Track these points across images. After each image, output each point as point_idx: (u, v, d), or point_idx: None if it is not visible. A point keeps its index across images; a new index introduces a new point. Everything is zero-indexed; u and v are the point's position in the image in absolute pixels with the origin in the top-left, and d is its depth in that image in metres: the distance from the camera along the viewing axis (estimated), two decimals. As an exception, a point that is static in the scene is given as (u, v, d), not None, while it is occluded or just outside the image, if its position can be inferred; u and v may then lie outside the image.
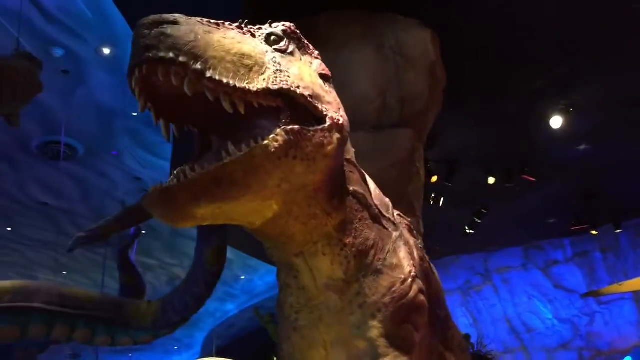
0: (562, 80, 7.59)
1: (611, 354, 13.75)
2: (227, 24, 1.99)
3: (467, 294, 15.50)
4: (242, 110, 1.84)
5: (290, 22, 2.29)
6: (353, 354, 2.33)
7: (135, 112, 9.42)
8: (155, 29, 1.74)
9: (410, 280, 2.47)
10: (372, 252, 2.40)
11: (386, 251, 2.48)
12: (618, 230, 12.53)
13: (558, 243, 14.35)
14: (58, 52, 8.12)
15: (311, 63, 2.30)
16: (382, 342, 2.26)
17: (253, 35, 2.09)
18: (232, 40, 1.89)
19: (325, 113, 2.13)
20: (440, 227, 11.30)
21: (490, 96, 7.93)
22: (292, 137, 1.95)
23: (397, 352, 2.27)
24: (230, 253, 10.33)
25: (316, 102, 2.12)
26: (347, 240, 2.31)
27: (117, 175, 11.16)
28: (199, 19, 1.88)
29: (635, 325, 13.61)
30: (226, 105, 1.81)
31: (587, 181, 10.76)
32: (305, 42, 2.34)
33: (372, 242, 2.41)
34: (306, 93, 2.08)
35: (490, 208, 11.06)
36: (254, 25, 2.18)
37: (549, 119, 8.27)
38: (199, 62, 1.74)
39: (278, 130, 1.92)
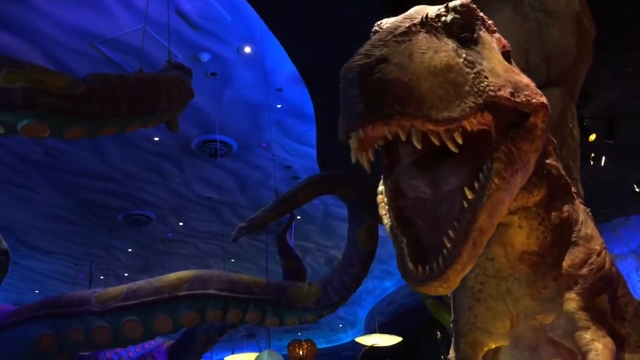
0: None
1: None
2: (408, 23, 1.66)
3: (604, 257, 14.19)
4: (454, 149, 1.62)
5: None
6: (541, 327, 2.29)
7: (279, 104, 9.85)
8: (369, 77, 1.48)
9: (604, 251, 2.41)
10: (567, 225, 2.33)
11: (580, 222, 2.40)
12: None
13: None
14: (205, 57, 8.70)
15: (493, 43, 1.99)
16: (582, 315, 2.18)
17: (434, 28, 1.74)
18: (430, 53, 1.62)
19: (527, 103, 1.91)
20: (605, 188, 10.50)
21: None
22: (511, 158, 1.79)
23: (596, 324, 2.18)
24: (383, 231, 10.44)
25: (517, 96, 1.89)
26: (545, 214, 2.23)
27: (269, 166, 11.73)
28: (388, 33, 1.61)
29: None
30: (442, 142, 1.59)
31: None
32: (481, 14, 2.00)
33: (566, 214, 2.33)
34: (507, 92, 1.84)
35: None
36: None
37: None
38: (423, 108, 1.51)
39: (500, 157, 1.75)
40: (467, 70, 1.70)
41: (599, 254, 2.35)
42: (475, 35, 1.86)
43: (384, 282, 19.48)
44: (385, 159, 1.89)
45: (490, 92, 1.73)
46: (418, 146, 1.56)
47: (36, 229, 14.22)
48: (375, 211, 6.77)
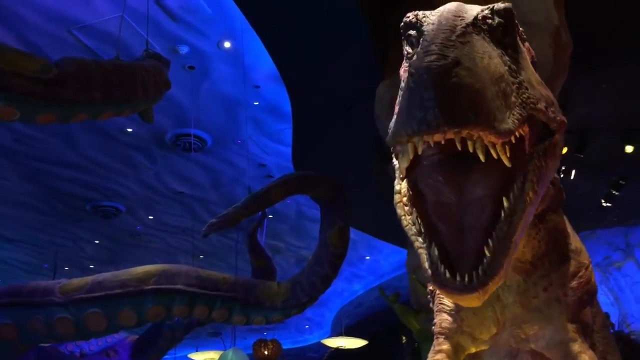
0: None
1: None
2: (462, 23, 1.57)
3: (607, 271, 14.53)
4: (508, 163, 1.57)
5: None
6: (525, 337, 2.30)
7: (256, 102, 9.79)
8: (447, 81, 1.41)
9: (590, 265, 2.44)
10: (560, 237, 2.34)
11: (570, 235, 2.43)
12: None
13: None
14: (183, 49, 8.60)
15: (525, 52, 1.91)
16: (570, 327, 2.20)
17: (482, 31, 1.65)
18: (487, 59, 1.55)
19: (555, 119, 1.88)
20: (573, 201, 10.65)
21: (625, 57, 7.32)
22: (541, 172, 1.77)
23: (582, 336, 2.22)
24: (354, 234, 10.49)
25: (551, 111, 1.85)
26: (541, 225, 2.24)
27: (243, 163, 11.66)
28: (450, 32, 1.51)
29: None
30: (482, 154, 1.53)
31: None
32: (516, 21, 1.89)
33: (560, 226, 2.35)
34: (543, 105, 1.81)
35: (628, 179, 10.26)
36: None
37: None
38: (490, 118, 1.46)
39: (533, 170, 1.73)
40: (512, 79, 1.66)
41: (586, 268, 2.38)
42: (515, 42, 1.80)
43: (352, 284, 19.52)
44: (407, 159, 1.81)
45: (531, 104, 1.71)
46: (482, 159, 1.52)
47: (0, 216, 13.90)
48: (347, 213, 6.80)
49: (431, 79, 1.41)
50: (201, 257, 16.40)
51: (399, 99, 1.70)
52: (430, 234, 1.69)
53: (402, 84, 1.72)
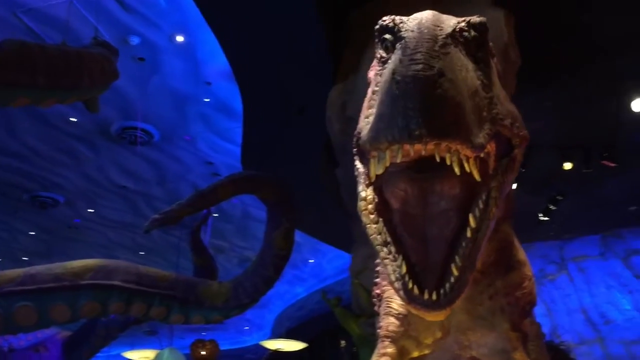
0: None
1: (696, 349, 13.02)
2: (442, 33, 1.57)
3: (541, 283, 15.02)
4: (478, 177, 1.62)
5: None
6: (467, 343, 2.32)
7: (207, 98, 9.65)
8: (432, 91, 1.41)
9: (533, 277, 2.50)
10: (508, 247, 2.39)
11: (516, 247, 2.48)
12: None
13: (639, 232, 13.65)
14: (134, 40, 8.40)
15: (494, 67, 1.91)
16: (513, 336, 2.25)
17: (459, 43, 1.65)
18: (464, 71, 1.57)
19: (518, 134, 1.90)
20: (514, 214, 10.98)
21: (568, 77, 7.59)
22: (502, 187, 1.80)
23: (521, 345, 2.28)
24: (299, 237, 10.47)
25: (515, 126, 1.87)
26: (493, 235, 2.21)
27: (190, 160, 11.49)
28: (432, 42, 1.52)
29: None
30: (457, 169, 1.56)
31: (673, 167, 10.15)
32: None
33: (509, 237, 2.40)
34: (509, 122, 1.83)
35: (566, 194, 10.64)
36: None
37: (631, 101, 7.84)
38: (468, 132, 1.49)
39: (496, 186, 1.75)
40: (484, 94, 1.68)
41: (530, 280, 2.45)
42: (487, 57, 1.81)
43: (295, 287, 19.50)
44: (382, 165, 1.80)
45: (499, 120, 1.73)
46: (457, 172, 1.54)
47: None
48: (294, 215, 6.77)
49: (417, 89, 1.41)
50: (141, 253, 16.09)
51: (371, 103, 1.70)
52: (397, 245, 1.69)
53: (375, 87, 1.71)
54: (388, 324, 2.41)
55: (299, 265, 17.39)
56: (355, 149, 1.93)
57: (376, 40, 1.81)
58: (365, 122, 1.69)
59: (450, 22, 1.67)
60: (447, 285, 1.58)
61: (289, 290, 19.53)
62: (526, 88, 6.84)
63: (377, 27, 1.78)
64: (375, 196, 1.78)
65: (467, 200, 1.75)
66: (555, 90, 7.90)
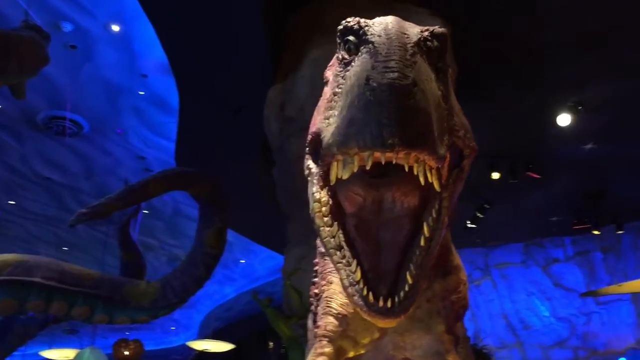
0: (573, 77, 7.51)
1: (606, 354, 13.73)
2: (410, 42, 1.58)
3: (467, 288, 15.47)
4: (438, 187, 1.66)
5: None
6: (402, 344, 2.34)
7: (142, 91, 9.39)
8: (405, 101, 1.43)
9: (467, 282, 2.54)
10: (445, 252, 2.41)
11: (453, 252, 2.51)
12: (620, 232, 12.49)
13: (559, 241, 14.30)
14: (67, 27, 8.06)
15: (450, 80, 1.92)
16: (447, 338, 2.29)
17: (423, 52, 1.65)
18: (429, 82, 1.59)
19: (469, 146, 1.91)
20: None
21: (500, 91, 7.86)
22: (453, 197, 1.81)
23: (454, 348, 2.32)
24: (231, 236, 10.35)
25: (467, 138, 1.89)
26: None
27: (121, 154, 11.16)
28: (404, 50, 1.52)
29: (632, 326, 13.58)
30: (423, 179, 1.60)
31: (592, 181, 10.69)
32: None
33: (446, 242, 2.42)
34: (463, 133, 1.84)
35: (493, 203, 11.01)
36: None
37: (557, 116, 8.20)
38: (435, 143, 1.51)
39: (447, 196, 1.76)
40: (444, 105, 1.70)
41: (465, 284, 2.50)
42: (446, 68, 1.82)
43: (224, 287, 19.28)
44: (326, 168, 1.77)
45: (455, 131, 1.76)
46: (422, 182, 1.56)
47: None
48: (226, 214, 6.66)
49: (393, 97, 1.42)
50: (65, 248, 15.53)
51: (332, 104, 1.68)
52: (351, 250, 1.69)
53: (337, 89, 1.69)
54: (327, 323, 2.40)
55: (229, 265, 17.20)
56: (308, 149, 1.89)
57: (338, 40, 1.79)
58: (326, 123, 1.67)
59: (414, 30, 1.68)
60: (402, 293, 1.59)
61: (218, 291, 19.29)
62: (460, 99, 7.03)
63: (340, 27, 1.76)
64: (330, 199, 1.77)
65: (419, 208, 1.78)
66: (486, 102, 8.15)
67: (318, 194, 1.78)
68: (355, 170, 1.58)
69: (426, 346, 2.32)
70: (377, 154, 1.49)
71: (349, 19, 1.73)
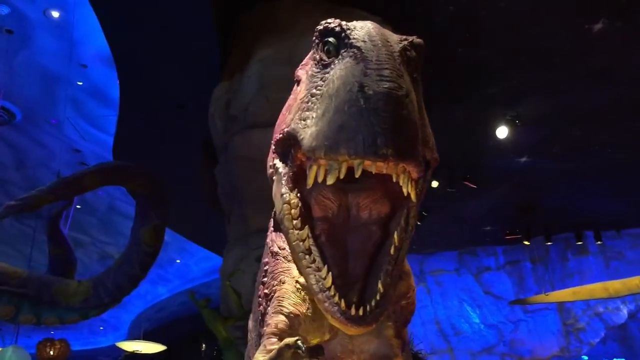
0: (512, 92, 7.76)
1: (531, 361, 14.30)
2: (394, 50, 1.59)
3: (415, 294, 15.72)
4: (414, 197, 1.67)
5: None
6: (351, 347, 2.32)
7: (80, 82, 9.06)
8: (400, 111, 1.44)
9: (415, 288, 2.54)
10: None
11: (404, 258, 2.52)
12: (549, 243, 13.03)
13: (491, 250, 14.78)
14: (3, 10, 7.72)
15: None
16: (395, 342, 2.28)
17: (404, 62, 1.64)
18: (413, 92, 1.58)
19: (433, 156, 1.88)
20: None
21: (440, 101, 8.01)
22: (418, 206, 1.81)
23: (401, 353, 2.31)
24: (168, 235, 10.07)
25: (434, 149, 1.88)
26: None
27: (55, 145, 10.74)
28: (393, 59, 1.54)
29: (557, 334, 14.17)
30: (411, 192, 1.64)
31: (525, 193, 11.08)
32: None
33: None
34: (431, 144, 1.84)
35: (430, 211, 11.22)
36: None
37: (496, 129, 8.43)
38: (419, 154, 1.54)
39: (415, 206, 1.75)
40: (419, 115, 1.69)
41: (414, 290, 2.51)
42: (420, 79, 1.81)
43: (157, 287, 18.89)
44: (297, 169, 1.75)
45: (427, 142, 1.76)
46: (405, 192, 1.58)
47: None
48: (165, 211, 6.47)
49: (389, 107, 1.43)
50: (-11, 243, 14.78)
51: (309, 105, 1.65)
52: (321, 255, 1.68)
53: (316, 90, 1.66)
54: (277, 322, 2.37)
55: (164, 264, 16.86)
56: (276, 147, 1.87)
57: (316, 40, 1.76)
58: (302, 124, 1.65)
59: (394, 37, 1.68)
60: (373, 302, 1.59)
61: (151, 291, 18.88)
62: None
63: (320, 28, 1.74)
64: (299, 201, 1.75)
65: (388, 217, 1.79)
66: (428, 112, 8.31)
67: (288, 195, 1.76)
68: (342, 176, 1.55)
69: (374, 350, 2.32)
70: (368, 163, 1.48)
71: (329, 20, 1.71)
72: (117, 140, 9.36)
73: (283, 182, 1.79)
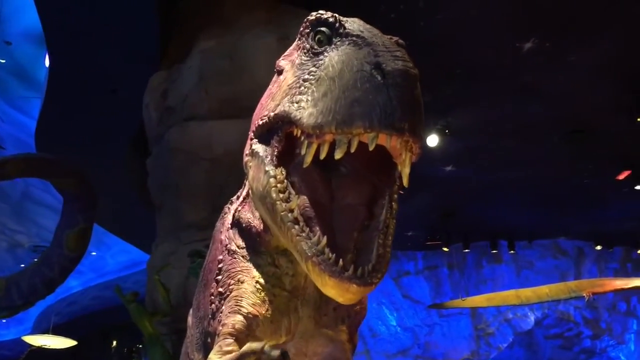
0: (444, 102, 7.99)
1: (443, 363, 14.82)
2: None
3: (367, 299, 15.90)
4: (405, 182, 1.67)
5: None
6: (306, 350, 2.32)
7: (3, 59, 8.55)
8: (414, 90, 1.49)
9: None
10: None
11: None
12: (466, 250, 13.57)
13: (412, 255, 15.20)
14: None
15: None
16: (348, 347, 2.30)
17: None
18: None
19: None
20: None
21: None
22: (397, 189, 1.83)
23: (351, 357, 2.33)
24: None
25: None
26: None
27: (-32, 126, 10.10)
28: (395, 44, 1.63)
29: (468, 338, 14.77)
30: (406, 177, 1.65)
31: (447, 201, 11.48)
32: None
33: None
34: None
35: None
36: None
37: (427, 137, 8.65)
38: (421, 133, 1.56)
39: (394, 195, 1.78)
40: None
41: (366, 297, 2.54)
42: None
43: (68, 279, 18.08)
44: (284, 145, 1.78)
45: None
46: (407, 171, 1.59)
47: None
48: (93, 214, 6.18)
49: (406, 83, 1.47)
50: None
51: (302, 89, 1.68)
52: (311, 222, 1.68)
53: (308, 76, 1.69)
54: (235, 322, 2.33)
55: (79, 255, 16.17)
56: (256, 132, 1.90)
57: (306, 30, 1.81)
58: (296, 106, 1.66)
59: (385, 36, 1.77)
60: (370, 265, 1.59)
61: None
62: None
63: (311, 18, 1.79)
64: (286, 177, 1.77)
65: (372, 200, 1.80)
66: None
67: (273, 170, 1.77)
68: (353, 150, 1.55)
69: (327, 353, 2.35)
70: (383, 136, 1.49)
71: (321, 12, 1.77)
72: (39, 125, 8.88)
73: (266, 161, 1.81)
